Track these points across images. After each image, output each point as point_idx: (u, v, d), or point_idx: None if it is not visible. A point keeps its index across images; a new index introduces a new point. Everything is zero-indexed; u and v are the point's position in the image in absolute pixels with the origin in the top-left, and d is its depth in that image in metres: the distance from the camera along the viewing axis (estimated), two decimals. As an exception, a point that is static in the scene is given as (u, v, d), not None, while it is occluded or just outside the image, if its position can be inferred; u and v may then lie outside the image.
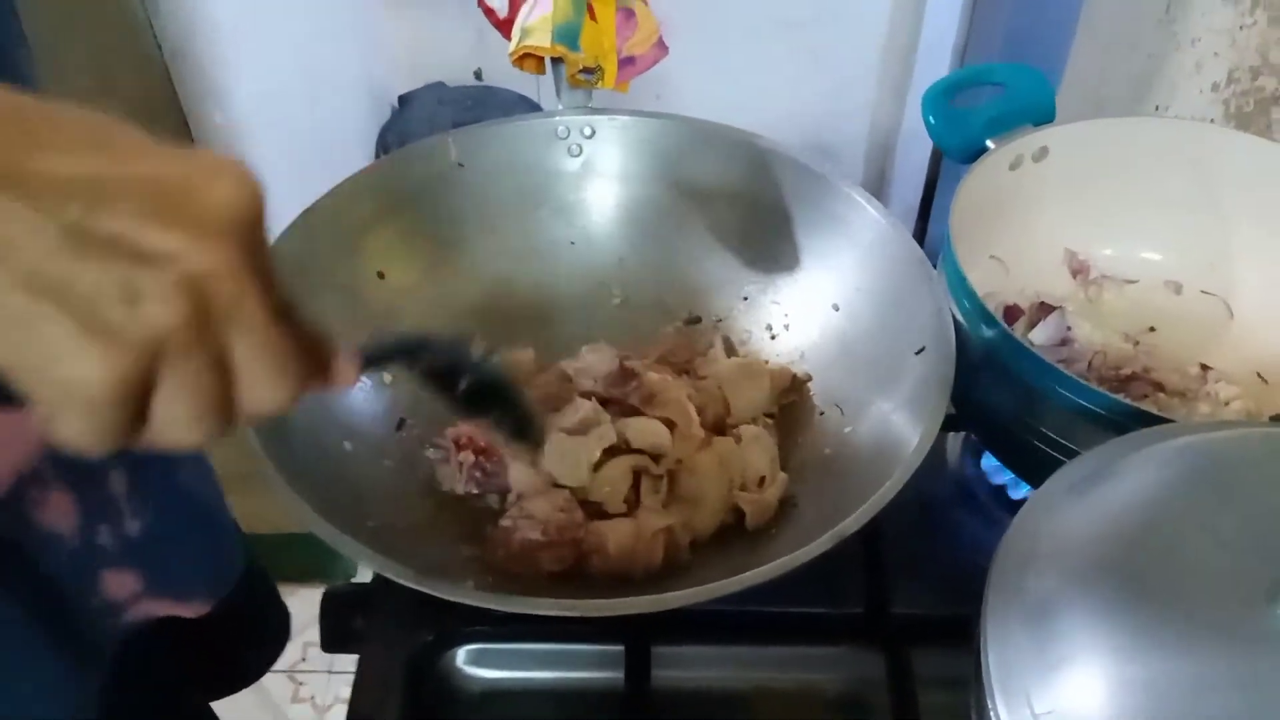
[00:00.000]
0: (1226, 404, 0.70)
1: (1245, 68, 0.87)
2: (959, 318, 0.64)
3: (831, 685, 0.65)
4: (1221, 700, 0.39)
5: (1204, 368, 0.72)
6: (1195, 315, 0.76)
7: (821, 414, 0.69)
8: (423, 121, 1.38)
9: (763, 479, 0.64)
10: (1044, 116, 0.73)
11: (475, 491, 0.65)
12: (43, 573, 0.51)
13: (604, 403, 0.66)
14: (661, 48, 0.81)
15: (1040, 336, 0.73)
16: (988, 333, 0.62)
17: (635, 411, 0.66)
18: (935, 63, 1.29)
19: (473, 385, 0.45)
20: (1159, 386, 0.71)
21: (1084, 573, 0.45)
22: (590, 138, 0.75)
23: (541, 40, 0.73)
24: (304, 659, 1.42)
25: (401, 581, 0.51)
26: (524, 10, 0.74)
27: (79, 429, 0.30)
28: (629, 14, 0.76)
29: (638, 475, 0.63)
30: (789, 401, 0.69)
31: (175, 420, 0.31)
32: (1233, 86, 0.89)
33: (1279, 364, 0.73)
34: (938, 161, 1.36)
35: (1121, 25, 1.05)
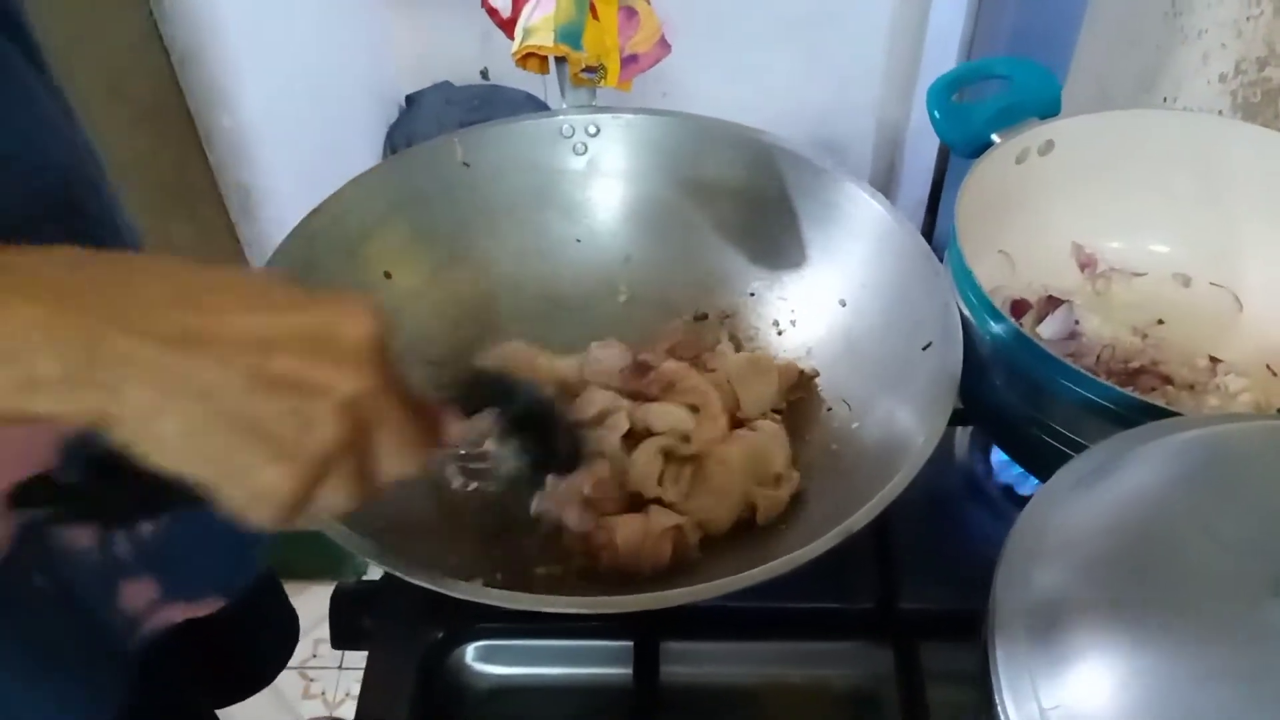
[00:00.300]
0: (1235, 396, 0.69)
1: (1252, 59, 0.87)
2: (966, 313, 0.64)
3: (840, 680, 0.65)
4: (1228, 693, 0.40)
5: (1213, 360, 0.72)
6: (1204, 308, 0.76)
7: (828, 410, 0.69)
8: (430, 121, 1.39)
9: (779, 476, 0.64)
10: (1049, 110, 0.73)
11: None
12: (64, 591, 0.52)
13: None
14: (664, 46, 0.81)
15: (1048, 330, 0.73)
16: (995, 327, 0.62)
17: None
18: (941, 58, 1.29)
19: (539, 423, 0.50)
20: (1167, 379, 0.71)
21: (1091, 567, 0.45)
22: (595, 136, 0.75)
23: (544, 40, 0.73)
24: (315, 655, 1.43)
25: (411, 580, 0.51)
26: (526, 10, 0.74)
27: (260, 519, 0.38)
28: (631, 13, 0.76)
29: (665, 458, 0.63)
30: (796, 398, 0.69)
31: (335, 502, 0.39)
32: (1240, 78, 0.88)
33: (1288, 356, 0.72)
34: (945, 157, 1.36)
35: (1127, 18, 1.05)
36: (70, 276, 0.35)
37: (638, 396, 0.67)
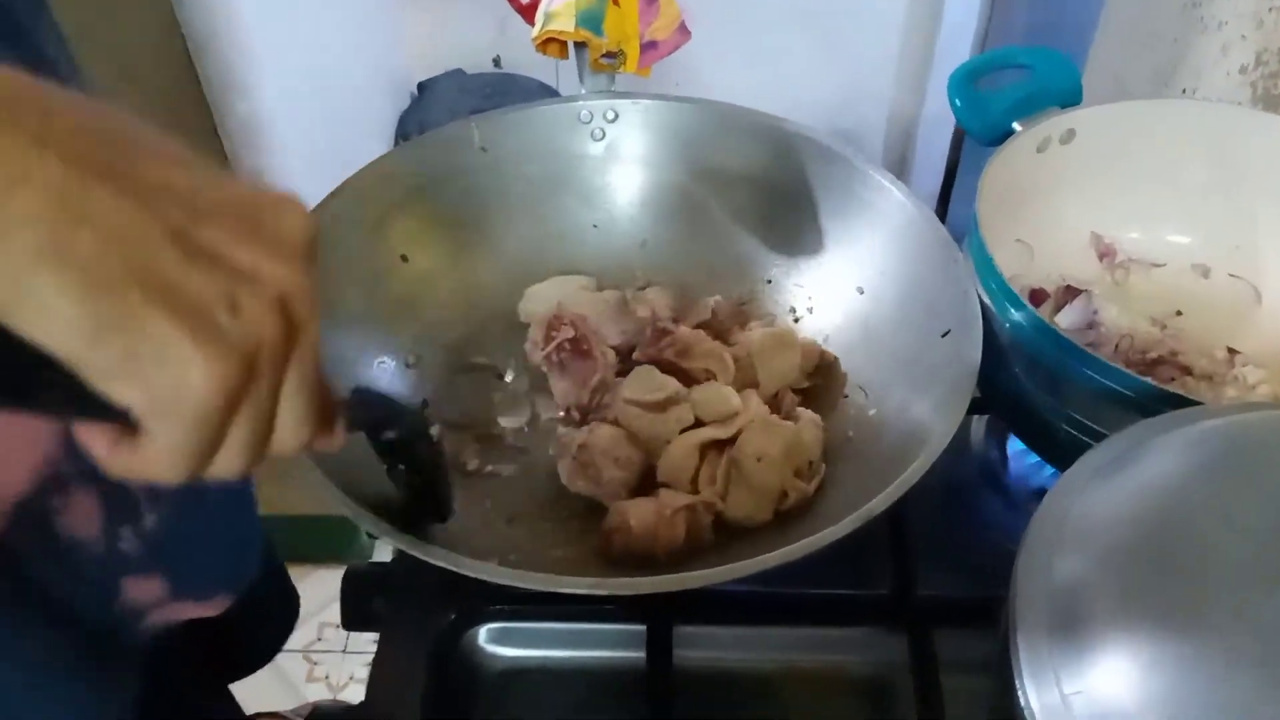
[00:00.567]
0: (1254, 388, 0.69)
1: (1273, 50, 0.86)
2: (985, 300, 0.63)
3: (855, 667, 0.65)
4: (1249, 680, 0.39)
5: (1231, 351, 0.72)
6: (1222, 299, 0.75)
7: (845, 396, 0.69)
8: (443, 109, 1.38)
9: (810, 464, 0.64)
10: (1070, 99, 0.73)
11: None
12: (63, 585, 0.50)
13: (637, 364, 0.68)
14: (684, 32, 0.81)
15: (1066, 320, 0.72)
16: (1015, 315, 0.62)
17: (672, 367, 0.66)
18: (956, 50, 1.29)
19: (412, 455, 0.51)
20: (1186, 370, 0.70)
21: (1112, 555, 0.45)
22: (613, 122, 0.75)
23: (565, 25, 0.73)
24: (319, 639, 1.43)
25: (426, 559, 0.51)
26: (547, -6, 0.74)
27: (169, 444, 0.31)
28: (651, -1, 0.76)
29: (702, 453, 0.64)
30: (814, 384, 0.69)
31: (239, 446, 0.32)
32: (1260, 69, 0.88)
33: (1307, 348, 0.72)
34: (958, 148, 1.35)
35: (1146, 10, 1.04)
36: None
37: (654, 361, 0.67)
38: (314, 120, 1.20)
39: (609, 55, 0.75)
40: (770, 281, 0.75)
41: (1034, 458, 0.71)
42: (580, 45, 0.74)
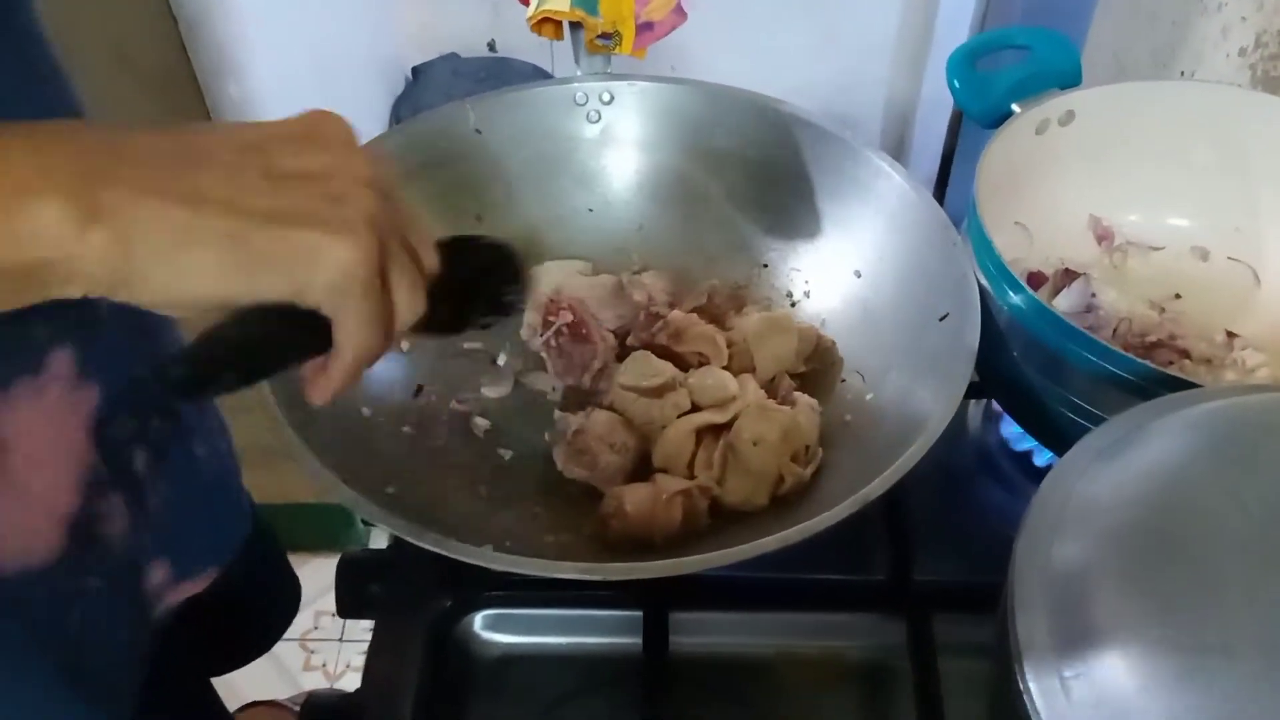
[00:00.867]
0: (1253, 371, 0.69)
1: (1273, 31, 0.85)
2: (984, 283, 0.63)
3: (853, 653, 0.65)
4: (1249, 664, 0.39)
5: (1230, 335, 0.71)
6: (1222, 282, 0.75)
7: (842, 381, 0.69)
8: (437, 93, 1.37)
9: (807, 449, 0.63)
10: (1070, 80, 0.72)
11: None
12: (111, 588, 0.51)
13: (633, 348, 0.67)
14: (680, 13, 0.80)
15: (1064, 304, 0.72)
16: (1014, 298, 0.61)
17: (665, 351, 0.66)
18: (954, 32, 1.28)
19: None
20: (1185, 354, 0.70)
21: (1112, 537, 0.45)
22: (609, 104, 0.74)
23: (560, 4, 0.72)
24: (316, 627, 1.43)
25: (422, 545, 0.51)
26: (543, -27, 0.73)
27: (356, 327, 0.38)
28: (647, -23, 0.75)
29: (699, 438, 0.63)
30: (812, 369, 0.69)
31: (405, 305, 0.39)
32: (1260, 51, 0.87)
33: (1306, 332, 0.72)
34: (955, 133, 1.35)
35: (1145, -7, 1.04)
36: (61, 141, 0.34)
37: (648, 346, 0.67)
38: (307, 104, 1.18)
39: (604, 36, 0.74)
40: (767, 265, 0.75)
41: (1032, 442, 0.70)
42: (575, 26, 0.74)
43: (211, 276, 0.35)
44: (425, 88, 1.40)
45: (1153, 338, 0.71)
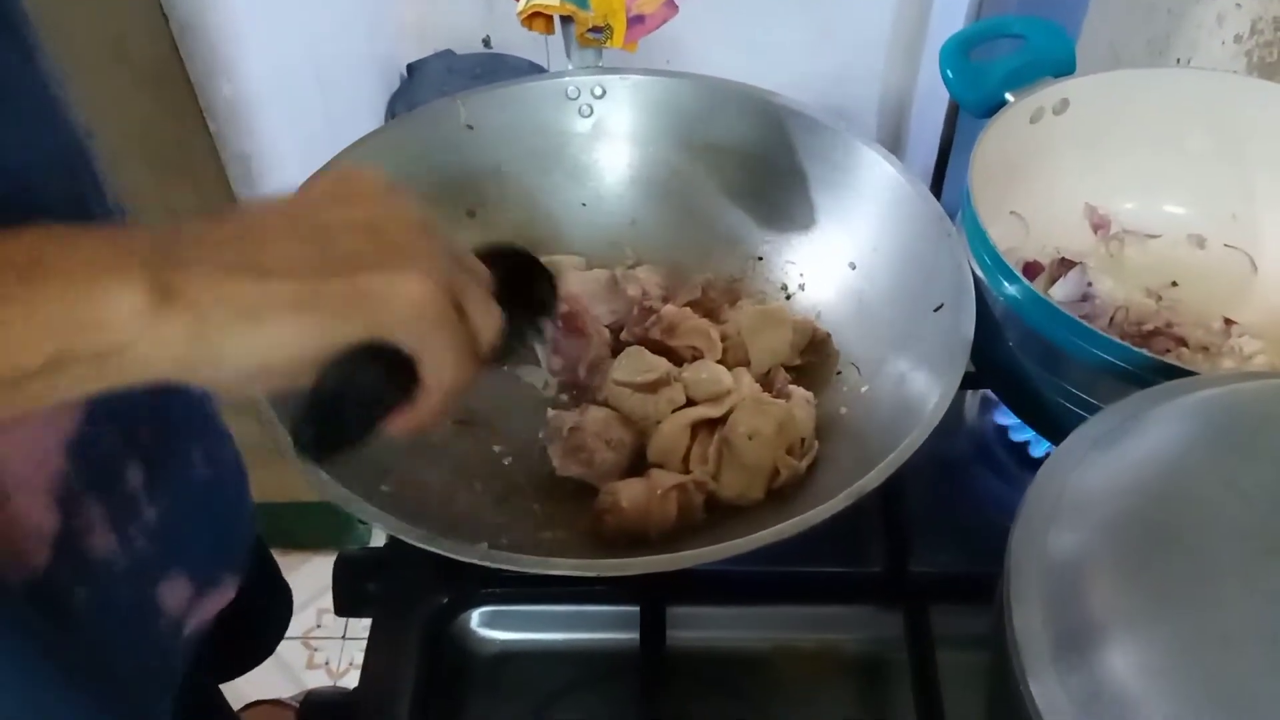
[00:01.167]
0: (1250, 359, 0.68)
1: (1268, 18, 0.85)
2: (979, 274, 0.63)
3: (850, 645, 0.65)
4: (1248, 654, 0.39)
5: (1227, 322, 0.71)
6: (1218, 269, 0.75)
7: (838, 373, 0.68)
8: (432, 90, 1.37)
9: (803, 441, 0.63)
10: (1064, 68, 0.72)
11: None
12: (106, 604, 0.50)
13: (627, 343, 0.67)
14: (670, 6, 0.80)
15: (1061, 293, 0.72)
16: (1009, 288, 0.61)
17: (659, 345, 0.66)
18: (949, 24, 1.27)
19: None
20: (1182, 342, 0.70)
21: (1109, 527, 0.44)
22: (601, 98, 0.74)
23: (550, -2, 0.72)
24: (319, 625, 1.43)
25: (416, 544, 0.51)
26: (532, -33, 0.73)
27: (439, 357, 0.39)
28: (638, -29, 0.75)
29: (693, 432, 0.63)
30: (807, 361, 0.69)
31: (486, 330, 0.41)
32: (1255, 38, 0.87)
33: (1303, 318, 0.71)
34: (952, 124, 1.34)
35: (1140, -19, 1.03)
36: (129, 232, 0.36)
37: (642, 341, 0.67)
38: (302, 103, 1.18)
39: (595, 30, 0.74)
40: (761, 258, 0.74)
41: (1029, 432, 0.70)
42: (566, 20, 0.73)
43: (289, 337, 0.36)
44: (420, 85, 1.40)
45: (1149, 326, 0.70)
